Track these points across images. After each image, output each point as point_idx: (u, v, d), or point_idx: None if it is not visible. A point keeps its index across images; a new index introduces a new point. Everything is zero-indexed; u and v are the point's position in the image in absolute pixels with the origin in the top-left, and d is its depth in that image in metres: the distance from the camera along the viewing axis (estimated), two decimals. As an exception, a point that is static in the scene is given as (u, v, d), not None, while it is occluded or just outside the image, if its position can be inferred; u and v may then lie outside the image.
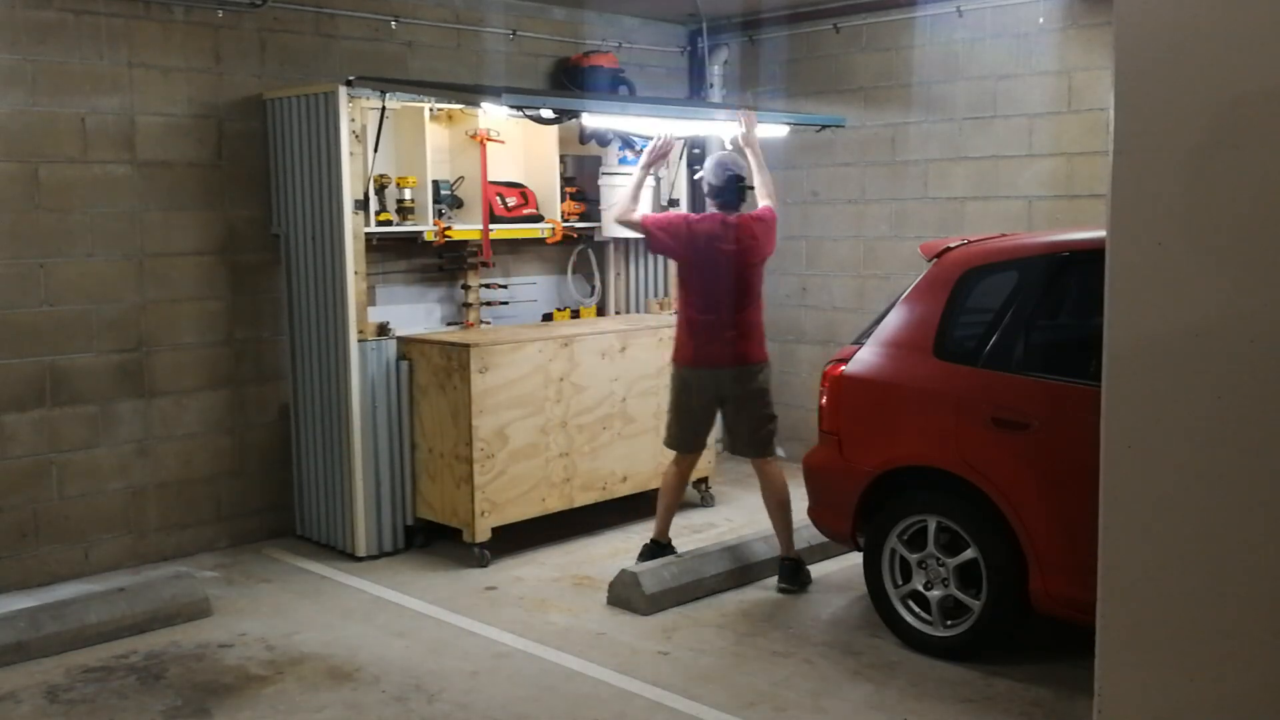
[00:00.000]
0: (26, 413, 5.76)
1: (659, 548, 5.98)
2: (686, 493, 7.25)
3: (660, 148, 5.91)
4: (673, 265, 7.64)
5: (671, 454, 6.01)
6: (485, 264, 6.91)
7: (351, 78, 6.05)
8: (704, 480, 7.24)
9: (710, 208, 5.79)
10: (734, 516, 7.03)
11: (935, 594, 4.89)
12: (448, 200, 6.67)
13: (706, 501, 7.27)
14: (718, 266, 5.65)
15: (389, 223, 6.40)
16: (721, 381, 5.73)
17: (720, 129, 6.62)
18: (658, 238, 5.78)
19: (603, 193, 7.18)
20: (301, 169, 6.23)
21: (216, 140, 6.31)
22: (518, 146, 7.10)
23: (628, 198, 5.83)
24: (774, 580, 5.79)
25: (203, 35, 6.21)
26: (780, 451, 8.28)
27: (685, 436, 5.92)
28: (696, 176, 6.01)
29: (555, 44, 7.77)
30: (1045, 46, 6.94)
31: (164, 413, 6.22)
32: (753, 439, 5.79)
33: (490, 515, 6.14)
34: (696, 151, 8.11)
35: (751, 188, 5.89)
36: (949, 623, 4.87)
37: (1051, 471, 4.46)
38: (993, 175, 7.25)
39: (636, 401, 6.79)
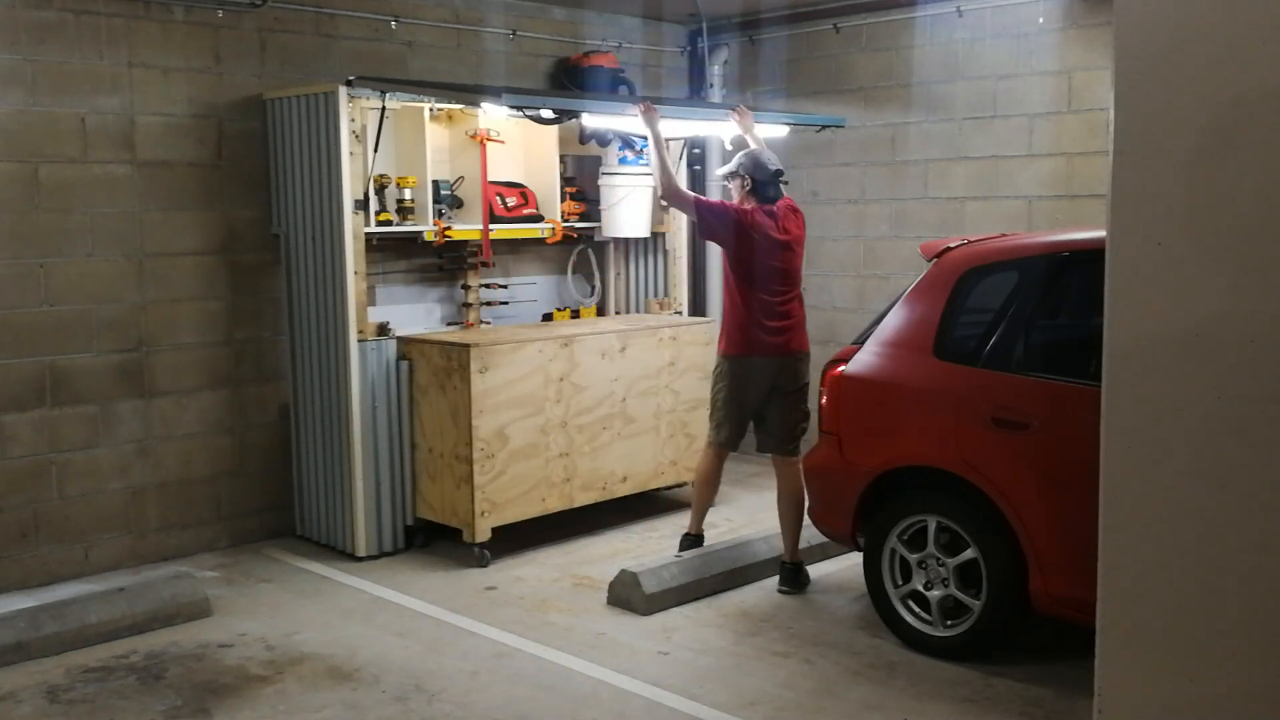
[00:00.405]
0: (26, 413, 5.76)
1: (697, 540, 6.05)
2: (686, 492, 7.29)
3: (647, 110, 5.80)
4: (675, 265, 7.69)
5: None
6: (485, 264, 6.91)
7: (351, 78, 6.05)
8: (704, 480, 7.24)
9: (747, 202, 5.69)
10: (734, 516, 7.02)
11: (935, 594, 4.89)
12: (448, 200, 6.67)
13: (707, 501, 7.26)
14: (773, 255, 5.62)
15: (389, 223, 6.40)
16: (778, 370, 5.69)
17: (718, 128, 6.61)
18: (709, 223, 5.68)
19: (603, 193, 7.18)
20: (301, 169, 6.23)
21: (216, 140, 6.31)
22: (518, 146, 7.10)
23: (663, 171, 5.72)
24: (774, 580, 5.80)
25: (203, 35, 6.21)
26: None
27: (739, 430, 5.84)
28: (723, 172, 5.89)
29: (555, 44, 7.77)
30: (1045, 46, 6.94)
31: (164, 413, 6.22)
32: (789, 435, 5.75)
33: (490, 515, 6.14)
34: (697, 151, 8.12)
35: (787, 181, 5.90)
36: (949, 623, 4.87)
37: (1051, 471, 4.46)
38: (993, 175, 7.25)
39: (636, 401, 6.79)
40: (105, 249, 5.95)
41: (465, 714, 4.43)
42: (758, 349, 5.65)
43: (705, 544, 6.05)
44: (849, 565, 5.89)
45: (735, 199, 5.74)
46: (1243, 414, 3.05)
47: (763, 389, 5.71)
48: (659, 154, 5.74)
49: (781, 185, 5.79)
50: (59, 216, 5.79)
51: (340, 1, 6.69)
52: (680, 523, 6.85)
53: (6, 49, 5.59)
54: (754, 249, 5.59)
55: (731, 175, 5.77)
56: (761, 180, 5.67)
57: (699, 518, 6.10)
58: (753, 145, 5.96)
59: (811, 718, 4.39)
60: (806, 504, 5.59)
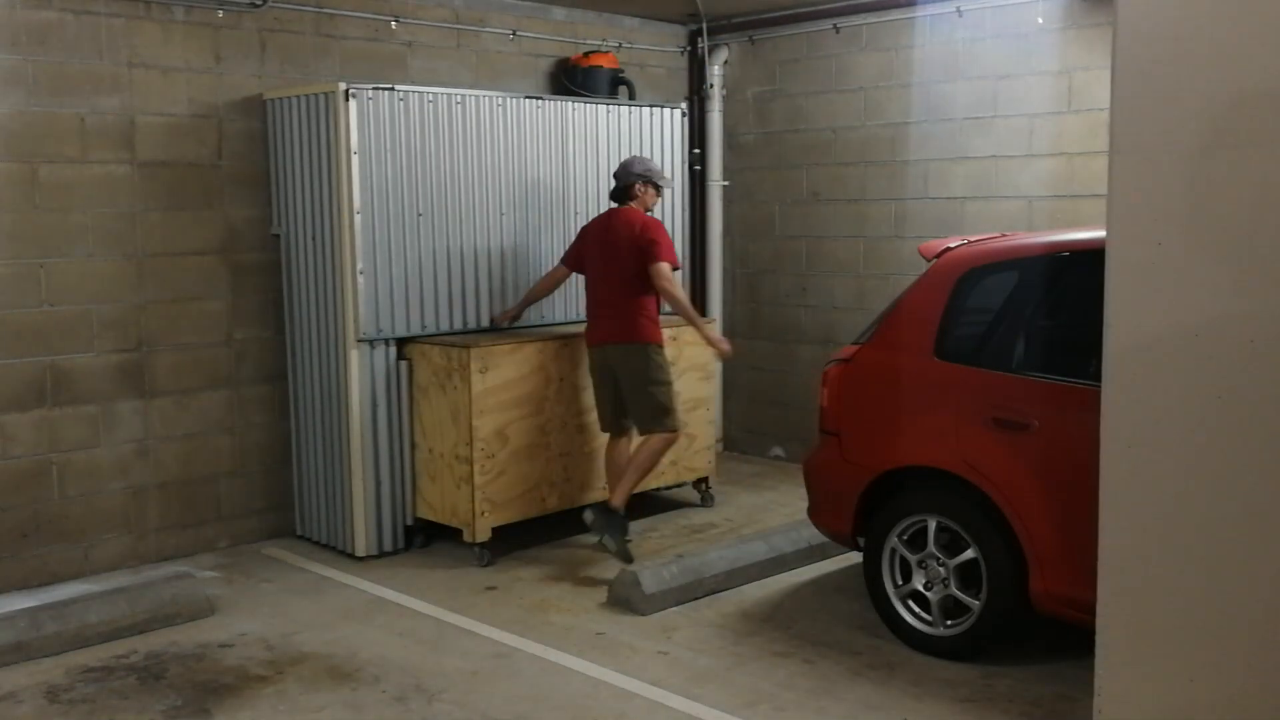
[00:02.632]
0: (26, 413, 5.76)
1: (621, 516, 6.23)
2: (686, 492, 7.30)
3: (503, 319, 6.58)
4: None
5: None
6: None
7: (348, 87, 5.96)
8: (704, 480, 7.24)
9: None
10: (734, 516, 7.03)
11: (935, 594, 4.89)
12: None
13: (706, 501, 7.27)
14: (596, 256, 6.21)
15: (389, 223, 6.39)
16: (606, 358, 6.16)
17: None
18: (570, 271, 6.46)
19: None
20: (301, 169, 6.23)
21: (216, 140, 6.31)
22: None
23: (533, 299, 6.57)
24: (774, 580, 5.80)
25: (203, 35, 6.21)
26: (778, 451, 8.33)
27: (603, 411, 6.31)
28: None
29: (555, 44, 7.77)
30: (1045, 46, 6.94)
31: (164, 413, 6.22)
32: (634, 419, 6.21)
33: (490, 515, 6.14)
34: (697, 151, 8.13)
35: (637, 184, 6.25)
36: (949, 623, 4.87)
37: (1052, 471, 4.46)
38: (993, 175, 7.25)
39: (636, 401, 6.77)
40: (105, 249, 5.95)
41: (465, 714, 4.43)
42: (590, 339, 6.24)
43: (704, 545, 6.05)
44: (849, 565, 5.90)
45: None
46: (1243, 414, 3.06)
47: (606, 374, 6.19)
48: (524, 306, 6.59)
49: (632, 191, 6.21)
50: (59, 216, 5.79)
51: (340, 1, 6.69)
52: (680, 523, 6.88)
53: (6, 49, 5.59)
54: (581, 252, 6.33)
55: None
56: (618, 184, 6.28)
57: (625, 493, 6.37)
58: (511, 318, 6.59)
59: (811, 718, 4.39)
60: (653, 469, 6.24)
